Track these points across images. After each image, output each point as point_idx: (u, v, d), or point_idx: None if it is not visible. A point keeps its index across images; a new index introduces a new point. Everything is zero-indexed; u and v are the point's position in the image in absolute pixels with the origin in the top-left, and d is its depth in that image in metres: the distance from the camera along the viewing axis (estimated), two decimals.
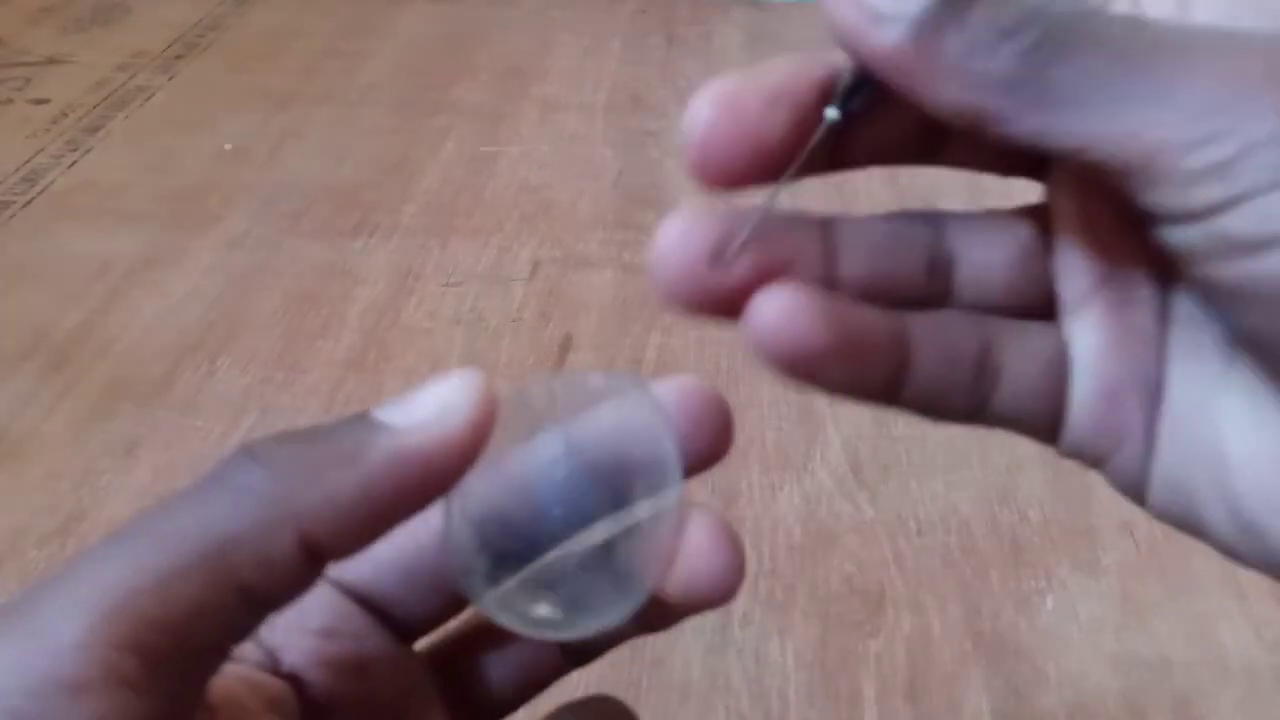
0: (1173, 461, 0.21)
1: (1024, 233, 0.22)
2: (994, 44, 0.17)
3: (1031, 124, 0.17)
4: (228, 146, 0.86)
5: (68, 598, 0.17)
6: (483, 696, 0.25)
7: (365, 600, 0.24)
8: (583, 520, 0.22)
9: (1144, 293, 0.21)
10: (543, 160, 0.85)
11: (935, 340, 0.21)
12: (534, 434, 0.23)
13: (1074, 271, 0.22)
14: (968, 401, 0.22)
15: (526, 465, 0.22)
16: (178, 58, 1.01)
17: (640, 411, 0.22)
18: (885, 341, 0.21)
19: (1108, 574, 0.50)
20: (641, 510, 0.22)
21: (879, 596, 0.49)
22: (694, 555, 0.22)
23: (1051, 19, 0.17)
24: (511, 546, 0.22)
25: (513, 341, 0.65)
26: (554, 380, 0.23)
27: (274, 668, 0.22)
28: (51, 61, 0.99)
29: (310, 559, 0.18)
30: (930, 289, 0.22)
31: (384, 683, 0.23)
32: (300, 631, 0.22)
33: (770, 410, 0.59)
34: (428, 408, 0.19)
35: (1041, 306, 0.22)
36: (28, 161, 0.83)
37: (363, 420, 0.19)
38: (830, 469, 0.56)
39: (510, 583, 0.22)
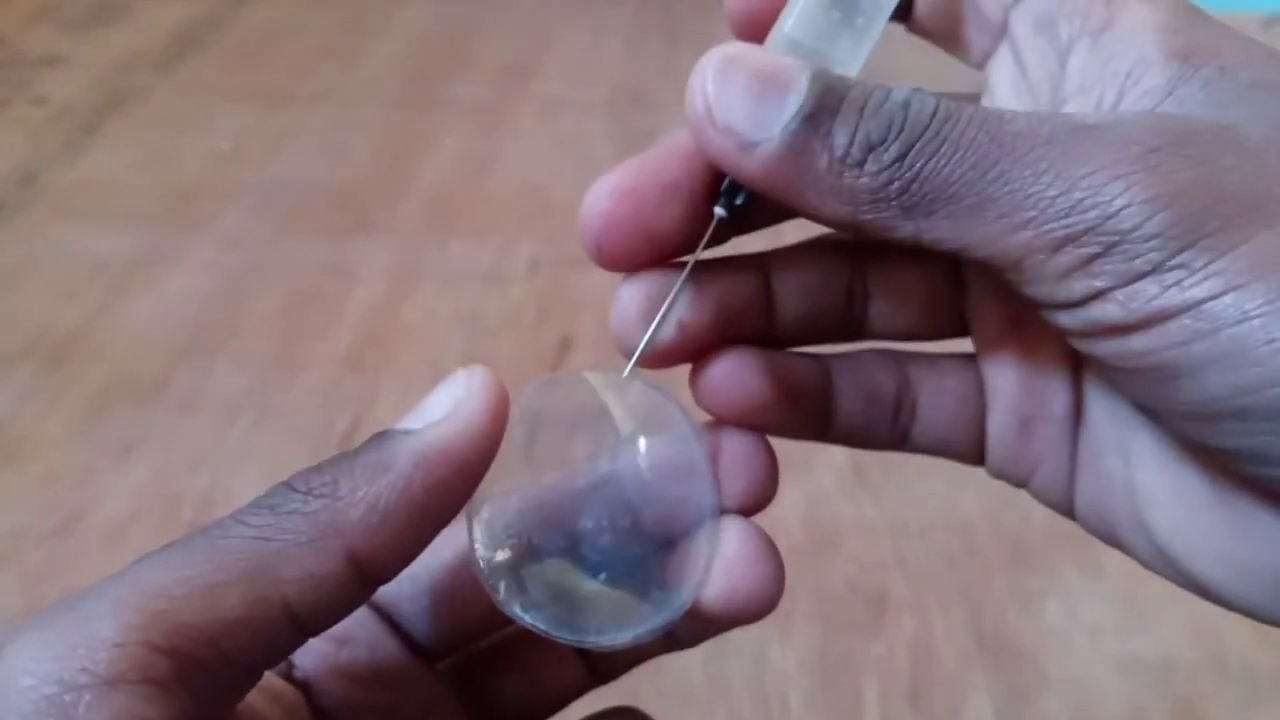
0: (1091, 488, 0.23)
1: (938, 274, 0.23)
2: (860, 160, 0.18)
3: (908, 230, 0.18)
4: (226, 146, 0.86)
5: (113, 597, 0.17)
6: (504, 712, 0.25)
7: (383, 614, 0.24)
8: (617, 535, 0.22)
9: (1048, 332, 0.22)
10: (542, 158, 0.85)
11: (856, 382, 0.23)
12: (573, 439, 0.23)
13: (985, 315, 0.23)
14: (890, 435, 0.24)
15: (567, 476, 0.22)
16: (176, 57, 1.01)
17: (682, 442, 0.23)
18: (815, 387, 0.23)
19: (1109, 576, 0.50)
20: (678, 528, 0.22)
21: (881, 599, 0.49)
22: (732, 566, 0.22)
23: (912, 126, 0.18)
24: (543, 551, 0.22)
25: (511, 341, 0.64)
26: (591, 381, 0.23)
27: (287, 673, 0.22)
28: (50, 61, 0.99)
29: (358, 576, 0.19)
30: (848, 319, 0.23)
31: (398, 694, 0.23)
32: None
33: None
34: (441, 405, 0.20)
35: (952, 333, 0.24)
36: (26, 161, 0.83)
37: (385, 435, 0.19)
38: (832, 469, 0.56)
39: (538, 586, 0.22)
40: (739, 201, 0.21)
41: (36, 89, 0.94)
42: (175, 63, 1.00)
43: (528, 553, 0.21)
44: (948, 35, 0.21)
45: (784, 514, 0.53)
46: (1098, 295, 0.17)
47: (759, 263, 0.23)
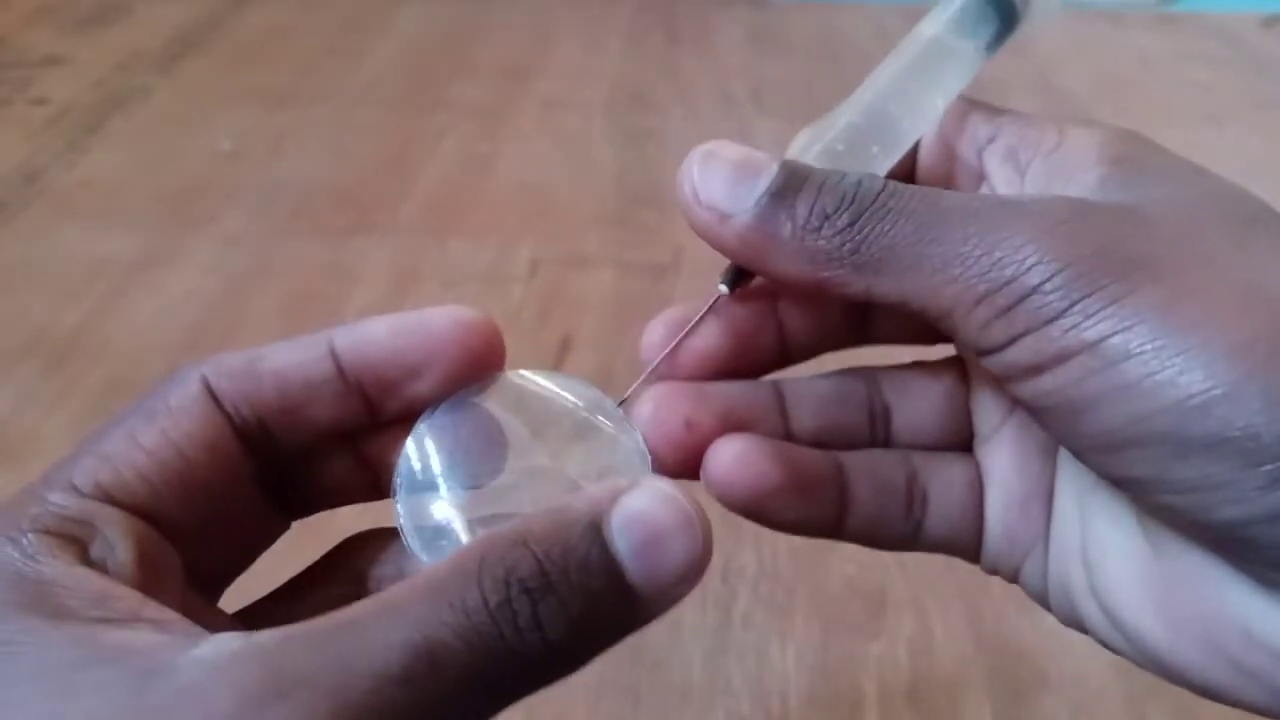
0: (1058, 564, 0.25)
1: (947, 380, 0.26)
2: (817, 226, 0.21)
3: (858, 286, 0.21)
4: (226, 146, 0.86)
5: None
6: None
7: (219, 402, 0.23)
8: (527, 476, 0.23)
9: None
10: (542, 159, 0.85)
11: (868, 474, 0.25)
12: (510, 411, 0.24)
13: (988, 405, 0.26)
14: (904, 528, 0.26)
15: (490, 413, 0.24)
16: (176, 57, 1.01)
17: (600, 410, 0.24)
18: (828, 477, 0.25)
19: None
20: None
21: (880, 598, 0.49)
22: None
23: (861, 199, 0.21)
24: (459, 477, 0.23)
25: (511, 341, 0.64)
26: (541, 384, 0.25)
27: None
28: (51, 61, 0.99)
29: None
30: (871, 434, 0.26)
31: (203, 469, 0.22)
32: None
33: None
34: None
35: (966, 439, 0.26)
36: (26, 161, 0.83)
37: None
38: None
39: (438, 509, 0.23)
40: (731, 281, 0.24)
41: (36, 89, 0.94)
42: (175, 63, 1.00)
43: (444, 475, 0.23)
44: (945, 183, 0.25)
45: None
46: (1013, 341, 0.20)
47: (773, 383, 0.26)
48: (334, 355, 0.23)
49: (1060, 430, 0.21)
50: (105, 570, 0.19)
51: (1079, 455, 0.21)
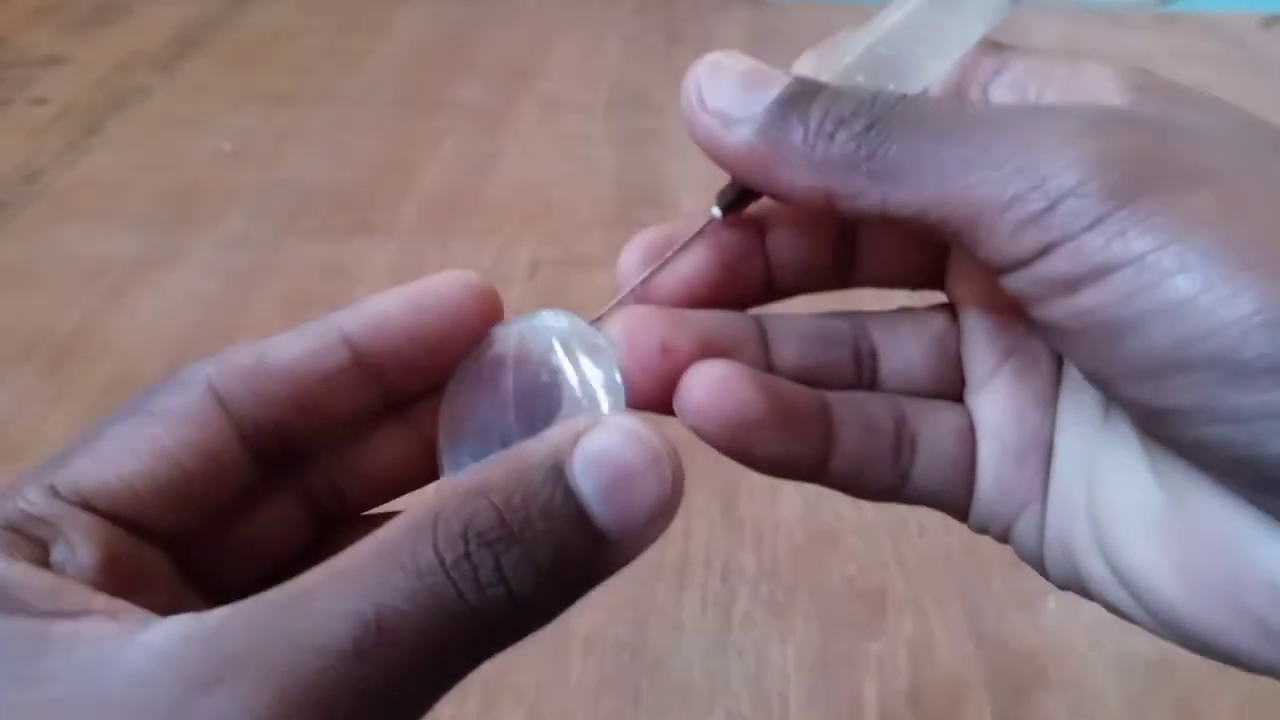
0: (1058, 520, 0.23)
1: (937, 325, 0.25)
2: (831, 131, 0.19)
3: (873, 197, 0.19)
4: (226, 146, 0.86)
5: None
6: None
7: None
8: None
9: (1040, 361, 0.23)
10: (542, 159, 0.85)
11: (855, 415, 0.23)
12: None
13: (980, 353, 0.24)
14: (890, 475, 0.24)
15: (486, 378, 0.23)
16: (176, 57, 1.01)
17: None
18: (813, 414, 0.23)
19: None
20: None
21: (880, 598, 0.49)
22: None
23: (880, 105, 0.19)
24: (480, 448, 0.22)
25: None
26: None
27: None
28: (51, 61, 0.99)
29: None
30: (857, 379, 0.24)
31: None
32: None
33: None
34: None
35: (956, 389, 0.25)
36: (26, 161, 0.83)
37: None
38: None
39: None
40: (729, 201, 0.23)
41: (36, 89, 0.94)
42: (176, 63, 1.00)
43: (470, 448, 0.22)
44: None
45: (784, 514, 0.53)
46: (1046, 250, 0.18)
47: (755, 317, 0.24)
48: (348, 342, 0.21)
49: (1094, 357, 0.19)
50: (62, 573, 0.18)
51: (1110, 384, 0.19)
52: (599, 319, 0.23)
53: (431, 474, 0.23)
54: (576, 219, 0.77)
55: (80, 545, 0.18)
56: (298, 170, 0.83)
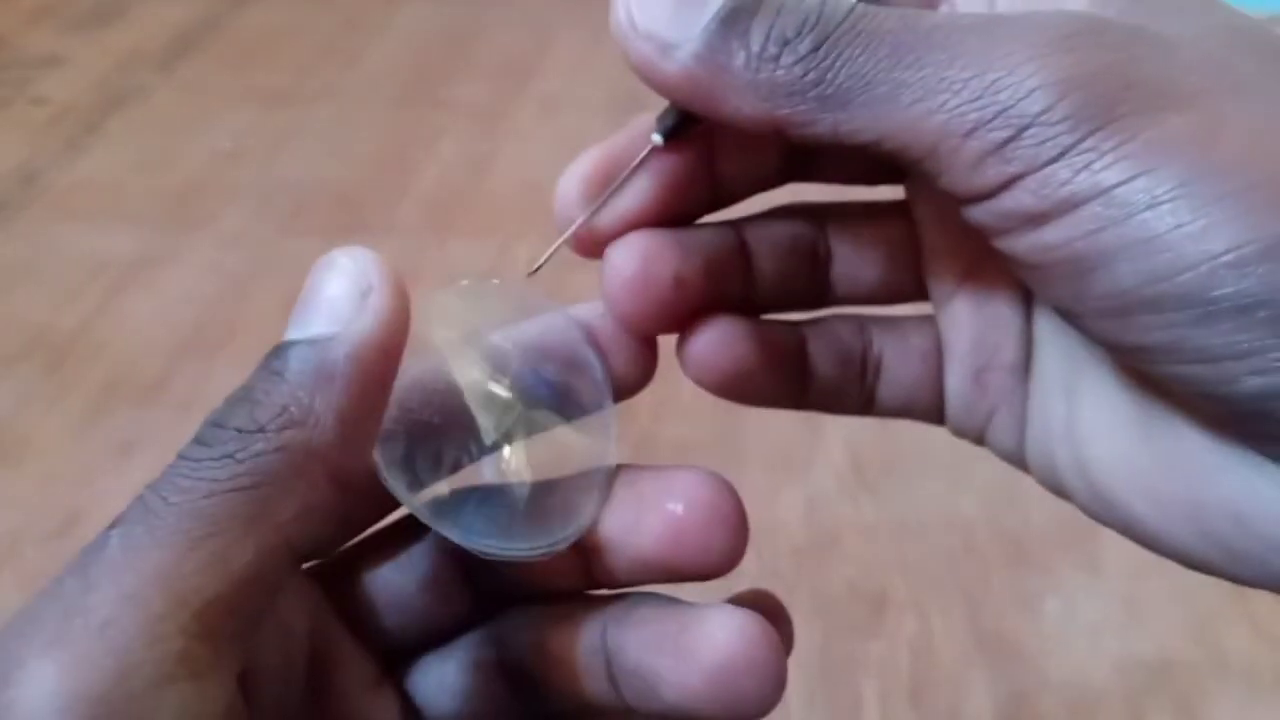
0: (1039, 434, 0.23)
1: (895, 231, 0.24)
2: (776, 54, 0.18)
3: (825, 124, 0.18)
4: (226, 145, 0.86)
5: (121, 593, 0.16)
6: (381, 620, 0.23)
7: None
8: (513, 426, 0.22)
9: (1006, 284, 0.23)
10: (542, 159, 0.85)
11: (829, 346, 0.24)
12: (462, 341, 0.22)
13: (940, 269, 0.24)
14: (859, 396, 0.24)
15: (446, 373, 0.22)
16: (176, 57, 1.01)
17: (564, 329, 0.23)
18: (793, 353, 0.24)
19: (1109, 575, 0.50)
20: (573, 410, 0.22)
21: (881, 599, 0.49)
22: (681, 512, 0.21)
23: (826, 21, 0.18)
24: (441, 452, 0.21)
25: None
26: (476, 288, 0.23)
27: None
28: (51, 61, 0.99)
29: (340, 492, 0.18)
30: (815, 282, 0.24)
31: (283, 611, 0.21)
32: None
33: (771, 410, 0.59)
34: (347, 299, 0.20)
35: (913, 295, 0.24)
36: (26, 161, 0.83)
37: (290, 347, 0.19)
38: (832, 470, 0.56)
39: (441, 488, 0.21)
40: (669, 127, 0.21)
41: (36, 89, 0.94)
42: (175, 63, 1.00)
43: (426, 454, 0.21)
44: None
45: (784, 515, 0.53)
46: (1010, 183, 0.17)
47: (734, 225, 0.24)
48: None
49: (1060, 292, 0.18)
50: None
51: (1077, 319, 0.18)
52: (537, 269, 0.23)
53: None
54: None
55: None
56: (297, 169, 0.83)
